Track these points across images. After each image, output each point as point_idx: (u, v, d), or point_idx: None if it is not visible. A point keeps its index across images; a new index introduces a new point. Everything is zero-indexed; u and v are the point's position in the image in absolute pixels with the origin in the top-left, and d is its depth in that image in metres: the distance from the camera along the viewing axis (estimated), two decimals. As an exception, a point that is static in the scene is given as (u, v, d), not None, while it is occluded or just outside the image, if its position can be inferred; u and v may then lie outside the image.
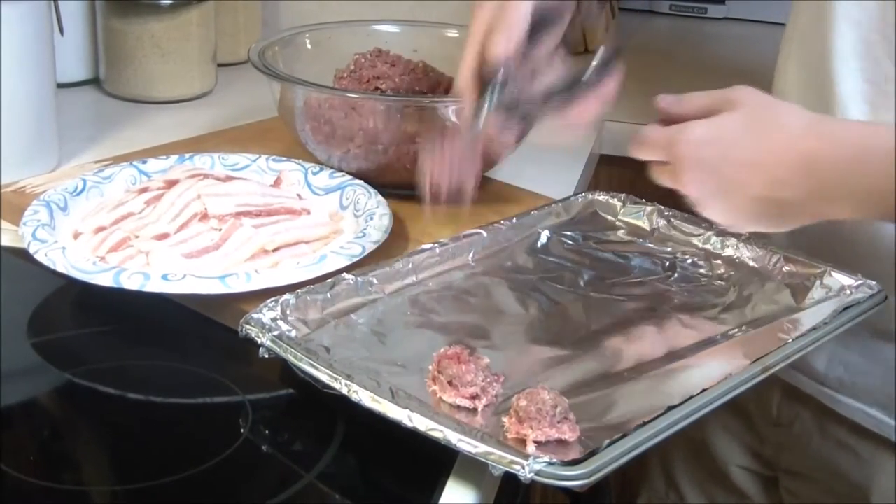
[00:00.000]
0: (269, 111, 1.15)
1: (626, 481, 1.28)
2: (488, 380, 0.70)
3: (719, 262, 0.91)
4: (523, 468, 0.61)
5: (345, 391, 0.69)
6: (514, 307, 0.84)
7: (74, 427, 0.78)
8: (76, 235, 0.92)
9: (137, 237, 0.89)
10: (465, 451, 0.64)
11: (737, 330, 0.81)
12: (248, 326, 0.75)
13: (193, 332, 0.85)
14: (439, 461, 0.69)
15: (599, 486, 0.66)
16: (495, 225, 0.92)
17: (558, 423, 0.65)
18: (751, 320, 0.83)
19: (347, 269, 0.84)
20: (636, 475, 1.20)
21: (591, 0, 0.88)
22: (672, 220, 0.96)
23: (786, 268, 0.88)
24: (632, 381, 0.74)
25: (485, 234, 0.91)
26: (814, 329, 0.78)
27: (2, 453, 0.70)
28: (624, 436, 0.64)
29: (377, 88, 1.08)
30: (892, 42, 0.81)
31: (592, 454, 0.63)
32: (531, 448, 0.64)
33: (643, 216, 0.98)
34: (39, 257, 0.85)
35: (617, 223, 0.98)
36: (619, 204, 0.99)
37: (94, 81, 1.40)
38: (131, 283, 0.81)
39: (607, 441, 0.63)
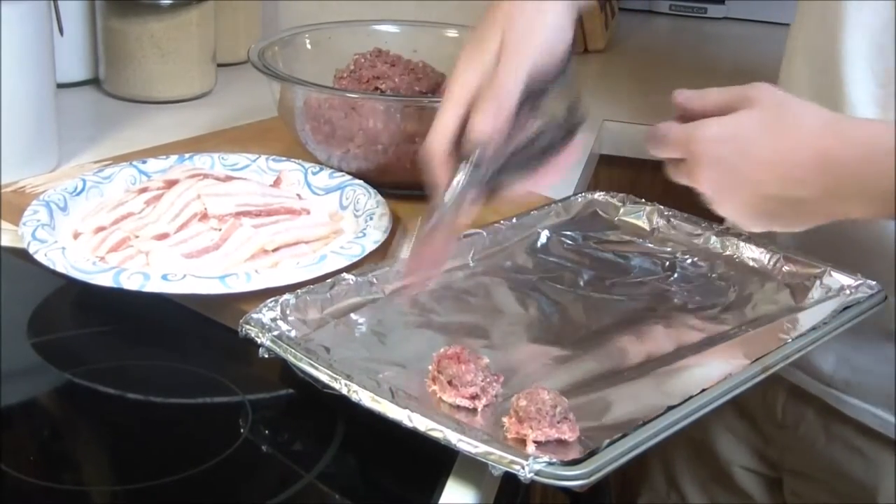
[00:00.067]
0: (268, 111, 1.15)
1: (626, 481, 1.28)
2: (488, 380, 0.70)
3: (719, 262, 0.91)
4: (523, 468, 0.61)
5: (345, 391, 0.69)
6: (514, 307, 0.84)
7: (74, 427, 0.78)
8: (76, 235, 0.92)
9: (137, 237, 0.89)
10: (464, 451, 0.64)
11: (737, 330, 0.81)
12: (247, 326, 0.75)
13: (193, 332, 0.85)
14: (439, 461, 0.69)
15: (599, 486, 0.66)
16: (495, 225, 0.92)
17: (558, 423, 0.65)
18: (751, 320, 0.83)
19: (347, 269, 0.84)
20: (636, 475, 1.20)
21: (592, 0, 0.87)
22: (672, 219, 0.96)
23: (786, 268, 0.88)
24: (632, 381, 0.74)
25: (484, 234, 0.91)
26: (814, 329, 0.78)
27: (2, 453, 0.70)
28: (624, 436, 0.64)
29: (377, 88, 1.08)
30: None
31: (592, 454, 0.63)
32: (531, 448, 0.64)
33: (643, 216, 0.98)
34: (39, 257, 0.85)
35: (617, 223, 0.98)
36: (618, 204, 0.99)
37: (93, 81, 1.40)
38: (131, 283, 0.81)
39: (607, 441, 0.63)
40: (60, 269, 0.83)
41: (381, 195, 0.98)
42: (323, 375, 0.70)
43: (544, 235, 0.95)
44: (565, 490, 0.63)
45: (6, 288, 0.90)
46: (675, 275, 0.90)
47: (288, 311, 0.77)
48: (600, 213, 0.99)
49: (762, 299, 0.86)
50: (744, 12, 1.84)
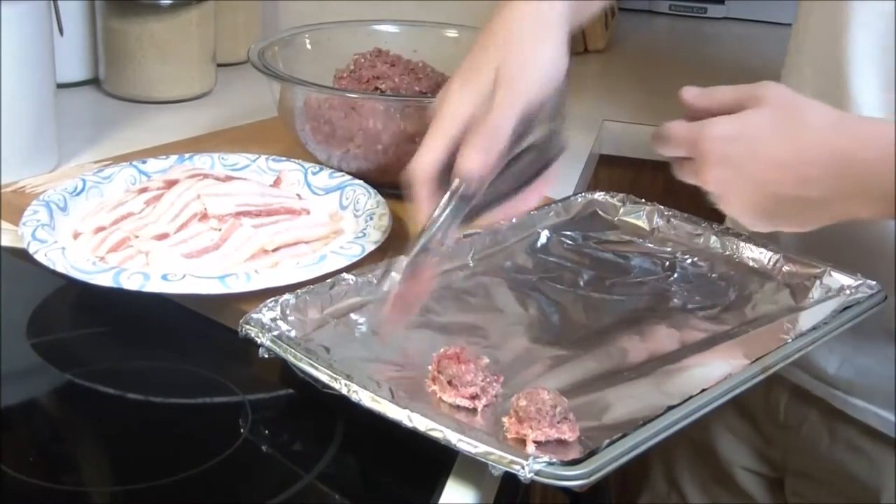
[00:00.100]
0: (268, 111, 1.15)
1: (626, 481, 1.28)
2: (488, 380, 0.70)
3: (719, 262, 0.91)
4: (523, 468, 0.61)
5: (345, 391, 0.69)
6: (514, 307, 0.84)
7: (74, 428, 0.78)
8: (76, 235, 0.92)
9: (137, 237, 0.89)
10: (464, 451, 0.64)
11: (737, 330, 0.81)
12: (247, 326, 0.75)
13: (193, 332, 0.85)
14: (439, 461, 0.69)
15: (599, 486, 0.66)
16: (495, 225, 0.92)
17: (558, 423, 0.65)
18: (751, 320, 0.83)
19: (347, 269, 0.84)
20: (636, 475, 1.20)
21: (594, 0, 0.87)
22: (672, 219, 0.96)
23: (786, 268, 0.88)
24: (632, 381, 0.74)
25: (484, 234, 0.91)
26: (814, 329, 0.78)
27: (2, 454, 0.70)
28: (624, 436, 0.64)
29: (377, 88, 1.08)
30: None
31: (592, 454, 0.63)
32: (531, 448, 0.64)
33: (643, 216, 0.98)
34: (39, 257, 0.85)
35: (616, 223, 0.98)
36: (618, 204, 0.99)
37: (93, 81, 1.40)
38: (131, 283, 0.81)
39: (607, 441, 0.63)
40: (60, 269, 0.83)
41: (381, 195, 0.98)
42: (323, 375, 0.70)
43: (544, 235, 0.95)
44: (565, 490, 0.63)
45: (6, 288, 0.90)
46: (675, 275, 0.90)
47: (288, 311, 0.77)
48: (600, 213, 0.99)
49: (762, 299, 0.85)
50: (744, 12, 1.84)
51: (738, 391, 0.71)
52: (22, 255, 0.88)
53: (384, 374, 0.72)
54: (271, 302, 0.77)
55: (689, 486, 1.10)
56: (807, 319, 0.81)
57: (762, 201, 0.73)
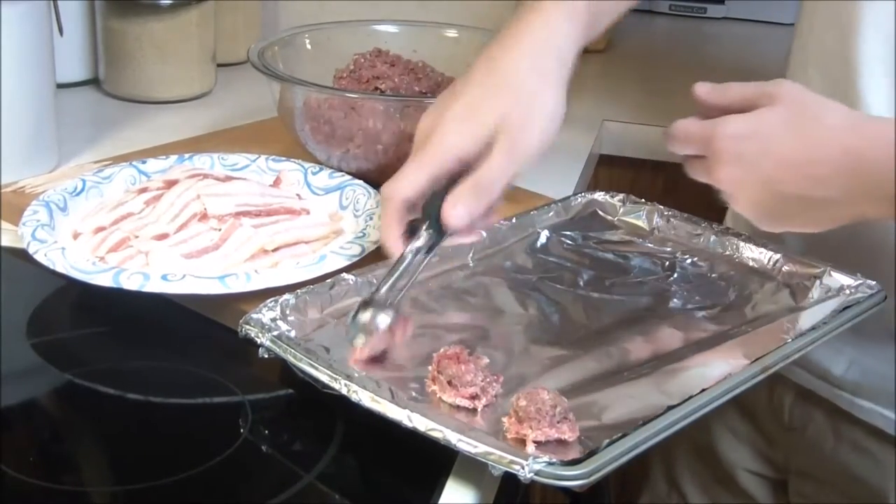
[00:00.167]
0: (268, 111, 1.15)
1: (626, 481, 1.28)
2: (488, 380, 0.70)
3: (719, 262, 0.91)
4: (523, 468, 0.61)
5: (344, 391, 0.69)
6: (514, 307, 0.84)
7: (74, 428, 0.78)
8: (76, 236, 0.92)
9: (137, 237, 0.89)
10: (464, 451, 0.64)
11: (737, 330, 0.81)
12: (247, 326, 0.75)
13: (193, 333, 0.85)
14: (439, 461, 0.69)
15: (599, 486, 0.66)
16: (494, 225, 0.92)
17: (558, 423, 0.65)
18: (751, 320, 0.83)
19: (347, 269, 0.84)
20: (636, 475, 1.20)
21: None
22: (672, 219, 0.96)
23: (785, 268, 0.88)
24: (632, 381, 0.73)
25: (484, 233, 0.91)
26: (813, 329, 0.78)
27: (2, 454, 0.70)
28: (624, 435, 0.64)
29: (377, 88, 1.08)
30: None
31: (592, 454, 0.63)
32: (531, 448, 0.64)
33: (643, 216, 0.98)
34: (39, 257, 0.85)
35: (616, 223, 0.98)
36: (618, 204, 0.99)
37: (93, 82, 1.40)
38: (131, 283, 0.81)
39: (607, 441, 0.63)
40: (60, 269, 0.83)
41: (381, 195, 0.98)
42: (323, 376, 0.70)
43: (544, 235, 0.95)
44: (565, 490, 0.63)
45: (6, 288, 0.90)
46: (675, 275, 0.90)
47: (288, 311, 0.77)
48: (600, 212, 0.99)
49: (762, 299, 0.85)
50: (743, 12, 1.84)
51: (737, 391, 0.71)
52: (22, 255, 0.88)
53: (384, 374, 0.72)
54: (271, 302, 0.77)
55: (690, 486, 1.10)
56: (807, 319, 0.81)
57: (775, 200, 0.73)
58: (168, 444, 0.73)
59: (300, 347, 0.73)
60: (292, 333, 0.75)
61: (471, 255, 0.90)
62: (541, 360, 0.76)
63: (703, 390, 0.69)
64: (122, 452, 0.73)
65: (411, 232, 0.78)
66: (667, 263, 0.91)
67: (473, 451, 0.63)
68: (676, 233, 0.95)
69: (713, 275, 0.90)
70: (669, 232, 0.96)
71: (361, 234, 0.90)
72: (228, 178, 0.99)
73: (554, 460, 0.62)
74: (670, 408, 0.67)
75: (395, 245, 0.78)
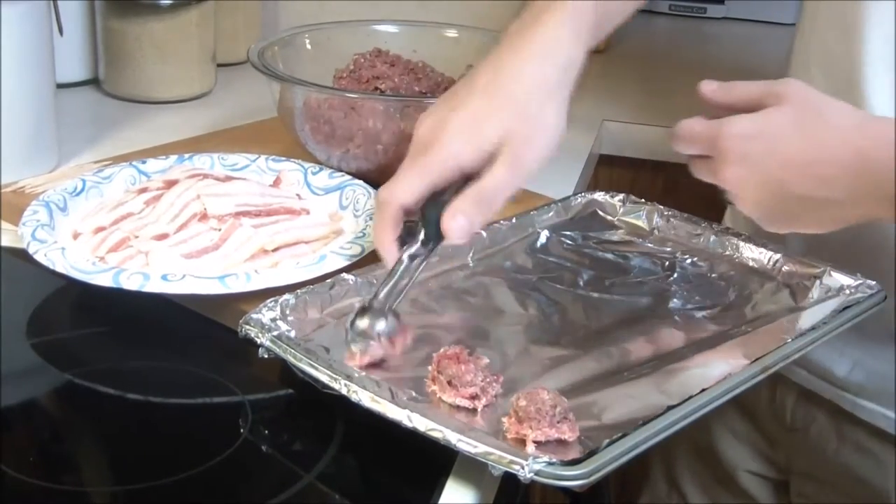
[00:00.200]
0: (268, 111, 1.15)
1: (626, 481, 1.28)
2: (488, 380, 0.70)
3: (719, 261, 0.91)
4: (523, 468, 0.61)
5: (344, 391, 0.69)
6: (514, 307, 0.84)
7: (74, 428, 0.78)
8: (75, 236, 0.92)
9: (137, 237, 0.89)
10: (464, 451, 0.64)
11: (737, 330, 0.81)
12: (247, 327, 0.75)
13: (193, 333, 0.85)
14: (439, 461, 0.69)
15: (599, 487, 0.66)
16: (494, 225, 0.92)
17: (558, 423, 0.65)
18: (751, 320, 0.83)
19: (347, 269, 0.84)
20: (636, 475, 1.20)
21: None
22: (671, 219, 0.96)
23: (785, 268, 0.88)
24: (631, 380, 0.73)
25: (484, 233, 0.91)
26: (813, 329, 0.78)
27: (2, 454, 0.70)
28: (623, 435, 0.64)
29: (377, 88, 1.08)
30: None
31: (592, 454, 0.63)
32: (531, 448, 0.64)
33: (643, 216, 0.98)
34: (39, 257, 0.85)
35: (616, 223, 0.98)
36: (618, 204, 0.99)
37: (93, 82, 1.40)
38: (131, 283, 0.81)
39: (607, 441, 0.63)
40: (60, 269, 0.83)
41: (381, 195, 0.98)
42: (323, 376, 0.70)
43: (544, 235, 0.95)
44: (565, 490, 0.63)
45: (6, 288, 0.90)
46: (675, 275, 0.90)
47: (288, 312, 0.77)
48: (600, 212, 0.99)
49: (762, 299, 0.85)
50: (743, 12, 1.84)
51: (737, 391, 0.71)
52: (22, 255, 0.88)
53: (384, 374, 0.72)
54: (271, 302, 0.77)
55: (690, 486, 1.10)
56: (807, 319, 0.81)
57: (781, 200, 0.73)
58: (168, 444, 0.73)
59: (300, 347, 0.73)
60: (292, 333, 0.75)
61: (471, 255, 0.90)
62: (541, 360, 0.76)
63: (703, 390, 0.69)
64: (122, 452, 0.73)
65: (405, 234, 0.78)
66: (667, 263, 0.91)
67: (473, 451, 0.63)
68: (676, 233, 0.95)
69: (713, 275, 0.90)
70: (669, 232, 0.96)
71: (361, 234, 0.90)
72: (228, 178, 0.99)
73: (554, 460, 0.62)
74: (670, 408, 0.67)
75: (389, 249, 0.77)
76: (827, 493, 0.96)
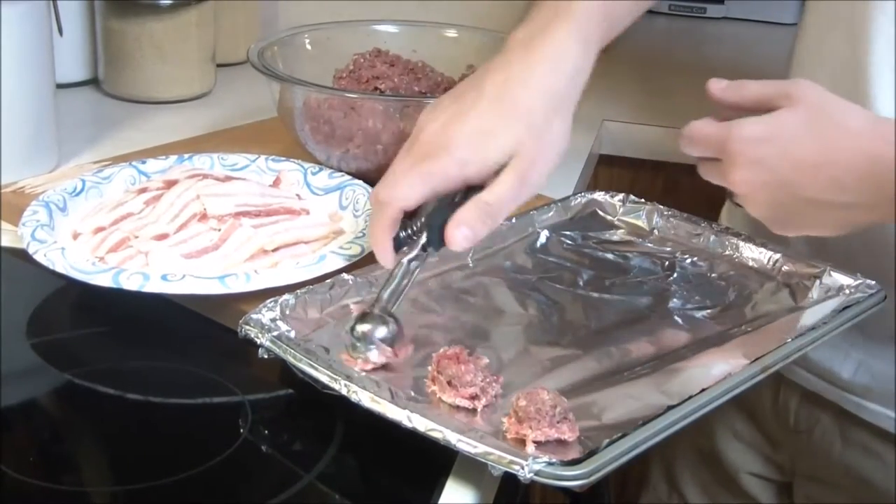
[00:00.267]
0: (268, 111, 1.15)
1: (626, 482, 1.28)
2: (487, 380, 0.70)
3: (719, 261, 0.91)
4: (523, 468, 0.61)
5: (344, 392, 0.69)
6: (514, 307, 0.84)
7: (74, 428, 0.78)
8: (75, 236, 0.92)
9: (137, 237, 0.89)
10: (464, 451, 0.64)
11: (736, 330, 0.81)
12: (247, 327, 0.75)
13: (193, 333, 0.85)
14: (439, 461, 0.69)
15: (599, 487, 0.66)
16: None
17: (558, 423, 0.65)
18: (750, 320, 0.83)
19: (347, 269, 0.84)
20: (636, 476, 1.20)
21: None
22: (671, 219, 0.96)
23: (785, 267, 0.88)
24: (631, 380, 0.73)
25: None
26: (813, 329, 0.78)
27: (2, 454, 0.70)
28: (623, 435, 0.64)
29: (376, 88, 1.08)
30: None
31: (592, 454, 0.63)
32: (531, 448, 0.64)
33: (642, 216, 0.98)
34: (39, 258, 0.85)
35: (616, 223, 0.98)
36: (618, 204, 0.99)
37: (93, 82, 1.40)
38: (130, 283, 0.81)
39: (607, 441, 0.63)
40: (60, 269, 0.83)
41: (381, 195, 0.98)
42: (322, 376, 0.70)
43: (544, 235, 0.95)
44: (565, 490, 0.63)
45: (6, 288, 0.90)
46: (675, 274, 0.90)
47: (287, 312, 0.77)
48: (600, 212, 0.99)
49: (762, 299, 0.85)
50: (743, 12, 1.84)
51: (737, 391, 0.71)
52: (22, 255, 0.88)
53: (384, 374, 0.72)
54: (271, 302, 0.77)
55: (690, 487, 1.10)
56: (806, 319, 0.81)
57: (793, 204, 0.72)
58: (168, 444, 0.73)
59: (300, 348, 0.73)
60: (292, 334, 0.75)
61: (470, 255, 0.90)
62: (541, 360, 0.76)
63: (703, 390, 0.69)
64: (122, 452, 0.73)
65: (402, 236, 0.78)
66: (666, 263, 0.91)
67: (473, 451, 0.63)
68: (676, 232, 0.95)
69: (713, 274, 0.90)
70: (669, 232, 0.96)
71: (361, 234, 0.90)
72: (228, 179, 0.99)
73: (554, 460, 0.62)
74: (670, 408, 0.67)
75: (386, 249, 0.77)
76: (831, 494, 0.96)
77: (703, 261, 0.91)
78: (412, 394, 0.70)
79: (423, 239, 0.76)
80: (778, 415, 0.99)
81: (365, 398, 0.68)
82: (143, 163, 1.03)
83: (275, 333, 0.74)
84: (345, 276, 0.82)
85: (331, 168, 1.04)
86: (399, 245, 0.77)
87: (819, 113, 0.71)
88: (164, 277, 0.82)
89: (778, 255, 0.89)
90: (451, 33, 1.21)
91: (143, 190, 0.96)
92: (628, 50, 1.66)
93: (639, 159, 1.35)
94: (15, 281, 0.91)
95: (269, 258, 0.88)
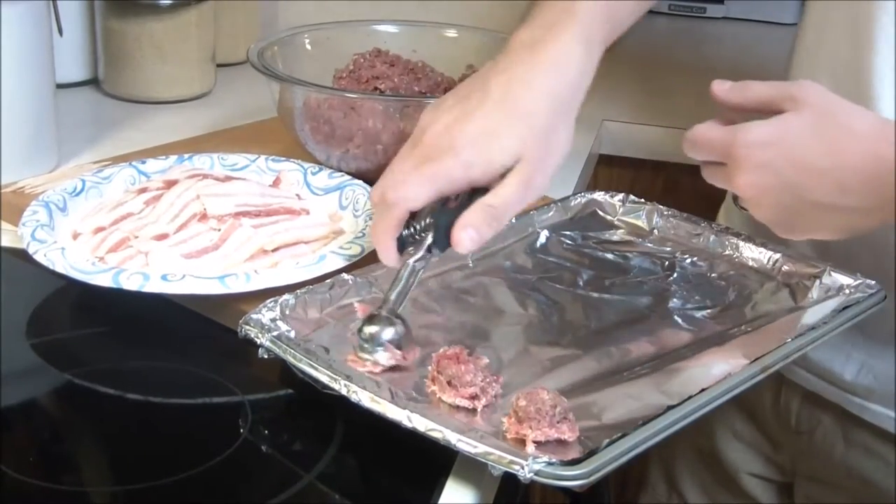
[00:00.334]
0: (268, 111, 1.15)
1: (626, 482, 1.28)
2: (487, 380, 0.70)
3: (719, 261, 0.91)
4: (523, 468, 0.61)
5: (344, 392, 0.69)
6: (514, 307, 0.84)
7: (74, 428, 0.78)
8: (75, 236, 0.92)
9: (137, 237, 0.89)
10: (464, 451, 0.64)
11: (736, 330, 0.81)
12: (247, 327, 0.75)
13: (193, 333, 0.85)
14: (439, 461, 0.69)
15: (599, 487, 0.66)
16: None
17: (558, 423, 0.65)
18: (750, 320, 0.83)
19: (347, 269, 0.84)
20: (636, 476, 1.20)
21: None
22: (671, 219, 0.96)
23: (785, 267, 0.88)
24: (631, 380, 0.74)
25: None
26: (813, 328, 0.78)
27: (2, 454, 0.70)
28: (623, 435, 0.64)
29: (376, 88, 1.08)
30: None
31: (592, 454, 0.63)
32: (531, 448, 0.64)
33: (642, 216, 0.98)
34: (39, 258, 0.85)
35: (616, 223, 0.98)
36: (618, 203, 0.99)
37: (93, 82, 1.40)
38: (130, 283, 0.81)
39: (606, 441, 0.63)
40: (60, 269, 0.83)
41: (381, 195, 0.98)
42: (322, 376, 0.70)
43: (543, 235, 0.95)
44: (565, 490, 0.63)
45: (6, 288, 0.90)
46: (675, 274, 0.90)
47: (287, 312, 0.77)
48: (600, 212, 0.99)
49: (762, 299, 0.85)
50: (743, 12, 1.84)
51: (737, 391, 0.71)
52: (22, 255, 0.88)
53: (385, 374, 0.72)
54: (271, 302, 0.77)
55: (690, 488, 1.10)
56: (807, 319, 0.81)
57: (798, 208, 0.72)
58: (168, 444, 0.73)
59: (300, 348, 0.73)
60: (292, 334, 0.75)
61: (470, 255, 0.90)
62: (541, 360, 0.76)
63: (703, 390, 0.69)
64: (122, 452, 0.73)
65: (405, 237, 0.78)
66: (666, 263, 0.91)
67: (473, 451, 0.63)
68: (676, 232, 0.95)
69: (713, 274, 0.90)
70: (669, 232, 0.96)
71: (361, 234, 0.90)
72: (228, 179, 0.99)
73: (554, 460, 0.62)
74: (670, 408, 0.67)
75: (391, 251, 0.77)
76: (832, 495, 0.96)
77: (703, 261, 0.91)
78: (412, 394, 0.70)
79: (429, 240, 0.76)
80: (779, 415, 0.99)
81: (365, 398, 0.68)
82: (143, 163, 1.03)
83: (275, 333, 0.74)
84: (345, 276, 0.82)
85: (331, 168, 1.04)
86: (401, 245, 0.77)
87: (824, 116, 0.71)
88: (164, 277, 0.82)
89: (778, 255, 0.89)
90: (451, 33, 1.21)
91: (143, 190, 0.96)
92: (628, 50, 1.66)
93: (639, 159, 1.35)
94: (15, 281, 0.91)
95: (269, 258, 0.88)
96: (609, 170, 1.36)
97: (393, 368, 0.73)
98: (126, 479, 0.71)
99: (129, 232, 0.90)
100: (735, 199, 0.76)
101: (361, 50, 1.12)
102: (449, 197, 0.77)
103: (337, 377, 0.69)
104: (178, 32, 1.33)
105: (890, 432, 0.89)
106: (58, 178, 1.05)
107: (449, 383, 0.69)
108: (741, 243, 0.92)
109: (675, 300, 0.86)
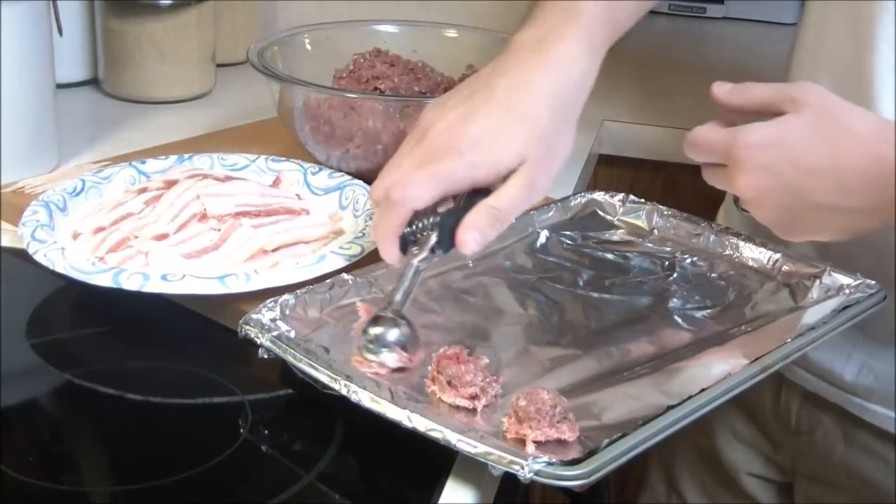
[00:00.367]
0: (268, 111, 1.15)
1: (626, 482, 1.28)
2: (487, 380, 0.70)
3: (719, 261, 0.91)
4: (523, 468, 0.61)
5: (344, 392, 0.69)
6: (514, 307, 0.84)
7: (74, 428, 0.78)
8: (75, 236, 0.92)
9: (136, 237, 0.89)
10: (464, 451, 0.64)
11: (736, 330, 0.81)
12: (247, 327, 0.75)
13: (193, 333, 0.85)
14: (439, 461, 0.69)
15: (599, 487, 0.66)
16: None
17: (558, 422, 0.65)
18: (750, 320, 0.83)
19: (347, 269, 0.84)
20: (636, 476, 1.20)
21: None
22: (671, 219, 0.96)
23: (785, 267, 0.88)
24: (631, 380, 0.74)
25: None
26: (813, 328, 0.78)
27: (2, 454, 0.70)
28: (623, 435, 0.64)
29: (376, 88, 1.08)
30: None
31: (592, 454, 0.63)
32: (531, 448, 0.64)
33: (642, 216, 0.98)
34: (38, 258, 0.85)
35: (616, 223, 0.98)
36: (618, 203, 0.99)
37: (93, 82, 1.40)
38: (130, 283, 0.81)
39: (606, 441, 0.63)
40: (60, 269, 0.83)
41: (381, 195, 0.98)
42: (322, 376, 0.70)
43: (543, 235, 0.95)
44: (565, 490, 0.63)
45: (6, 288, 0.90)
46: (675, 274, 0.90)
47: (287, 312, 0.77)
48: (600, 212, 0.99)
49: (762, 299, 0.85)
50: (743, 12, 1.84)
51: (737, 391, 0.71)
52: (22, 255, 0.88)
53: (383, 374, 0.72)
54: (271, 302, 0.77)
55: (690, 488, 1.10)
56: (807, 319, 0.81)
57: (799, 209, 0.72)
58: (168, 444, 0.73)
59: (300, 348, 0.73)
60: (292, 334, 0.75)
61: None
62: (541, 360, 0.76)
63: (703, 390, 0.69)
64: (122, 452, 0.73)
65: (408, 237, 0.78)
66: (666, 263, 0.91)
67: (473, 451, 0.63)
68: (676, 232, 0.95)
69: (713, 274, 0.90)
70: (669, 232, 0.96)
71: (361, 234, 0.90)
72: (228, 179, 0.99)
73: (554, 460, 0.62)
74: (670, 408, 0.67)
75: (394, 250, 0.77)
76: (832, 495, 0.96)
77: (703, 261, 0.91)
78: (412, 394, 0.70)
79: (433, 240, 0.76)
80: (779, 416, 0.99)
81: (365, 398, 0.68)
82: (143, 163, 1.03)
83: (275, 333, 0.74)
84: (345, 276, 0.82)
85: (331, 168, 1.04)
86: (403, 243, 0.77)
87: (825, 117, 0.71)
88: (164, 277, 0.82)
89: (778, 255, 0.89)
90: (451, 33, 1.21)
91: (143, 190, 0.96)
92: (628, 50, 1.66)
93: (639, 159, 1.35)
94: (15, 281, 0.91)
95: (269, 258, 0.88)
96: (609, 170, 1.36)
97: (398, 370, 0.73)
98: (126, 479, 0.71)
99: (129, 232, 0.90)
100: (736, 200, 0.76)
101: (361, 50, 1.12)
102: (451, 197, 0.77)
103: (337, 377, 0.69)
104: (178, 32, 1.33)
105: (890, 432, 0.89)
106: (58, 178, 1.05)
107: (449, 383, 0.69)
108: (741, 243, 0.92)
109: (675, 300, 0.86)
